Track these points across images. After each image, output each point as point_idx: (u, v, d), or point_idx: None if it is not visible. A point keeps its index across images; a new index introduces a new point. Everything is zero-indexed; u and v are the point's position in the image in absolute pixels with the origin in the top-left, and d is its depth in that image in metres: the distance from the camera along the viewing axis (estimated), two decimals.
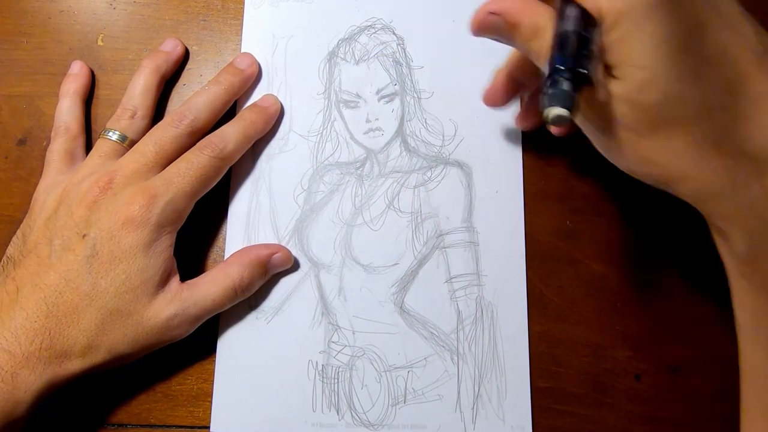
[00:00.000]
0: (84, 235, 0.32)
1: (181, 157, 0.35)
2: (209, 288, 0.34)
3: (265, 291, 0.37)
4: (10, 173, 0.39)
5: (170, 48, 0.40)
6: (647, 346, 0.37)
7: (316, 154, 0.39)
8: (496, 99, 0.37)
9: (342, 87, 0.40)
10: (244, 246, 0.37)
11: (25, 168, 0.39)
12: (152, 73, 0.38)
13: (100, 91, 0.40)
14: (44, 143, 0.39)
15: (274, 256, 0.36)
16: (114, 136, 0.36)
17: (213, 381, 0.36)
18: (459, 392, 0.36)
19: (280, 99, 0.39)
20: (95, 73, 0.40)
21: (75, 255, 0.32)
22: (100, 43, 0.41)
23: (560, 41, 0.24)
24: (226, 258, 0.37)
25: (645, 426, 0.36)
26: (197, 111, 0.36)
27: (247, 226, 0.38)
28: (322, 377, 0.36)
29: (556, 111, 0.23)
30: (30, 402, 0.30)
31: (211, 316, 0.35)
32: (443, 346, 0.37)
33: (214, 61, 0.41)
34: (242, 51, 0.40)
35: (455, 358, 0.37)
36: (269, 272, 0.36)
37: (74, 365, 0.31)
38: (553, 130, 0.26)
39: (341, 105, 0.40)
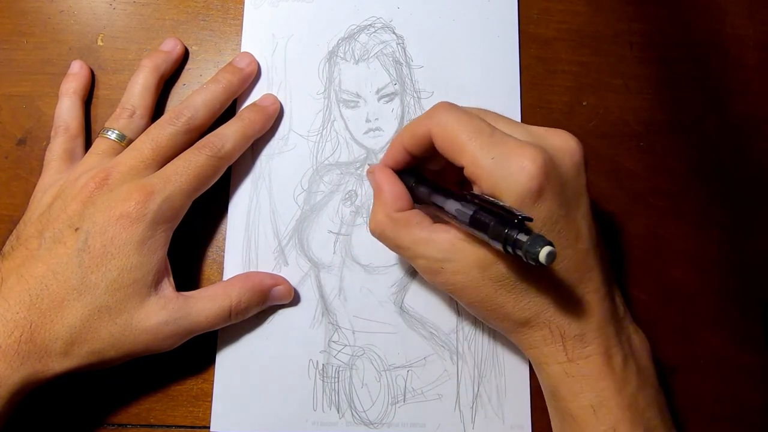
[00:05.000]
0: (76, 229, 0.32)
1: (180, 156, 0.35)
2: (206, 303, 0.34)
3: None
4: (10, 173, 0.39)
5: (170, 47, 0.39)
6: None
7: (316, 154, 0.39)
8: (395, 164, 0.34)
9: (342, 87, 0.40)
10: (246, 246, 0.38)
11: (25, 168, 0.39)
12: (151, 72, 0.38)
13: (100, 91, 0.40)
14: (44, 143, 0.39)
15: (276, 287, 0.36)
16: (112, 135, 0.36)
17: (213, 381, 0.36)
18: (458, 392, 0.36)
19: (280, 99, 0.39)
20: (95, 73, 0.40)
21: (65, 248, 0.31)
22: (100, 43, 0.41)
23: (495, 218, 0.26)
24: (226, 278, 0.37)
25: None
26: (195, 109, 0.36)
27: (247, 226, 0.38)
28: (323, 376, 0.36)
29: (547, 248, 0.24)
30: (5, 398, 0.29)
31: (200, 333, 0.34)
32: (443, 346, 0.37)
33: (214, 61, 0.41)
34: (242, 51, 0.40)
35: (455, 357, 0.37)
36: (267, 302, 0.36)
37: (54, 363, 0.30)
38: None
39: (341, 105, 0.40)
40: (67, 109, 0.38)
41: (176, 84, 0.40)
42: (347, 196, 0.39)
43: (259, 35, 0.41)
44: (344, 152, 0.39)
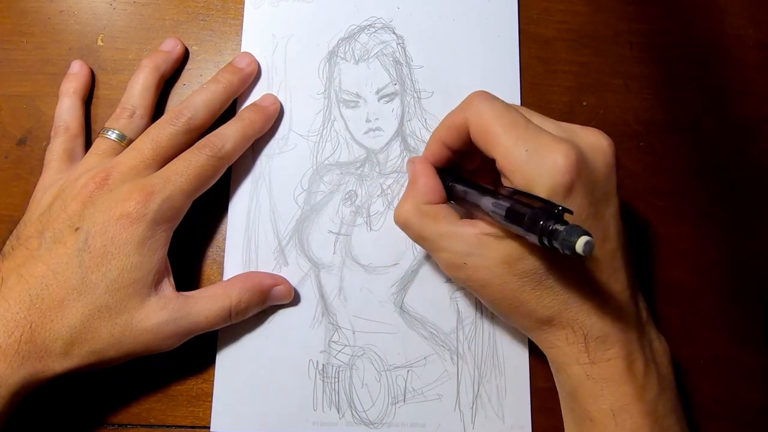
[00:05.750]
0: (77, 229, 0.31)
1: (180, 156, 0.35)
2: (206, 303, 0.34)
3: None
4: (10, 173, 0.39)
5: (170, 47, 0.39)
6: None
7: (316, 154, 0.39)
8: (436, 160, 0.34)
9: (342, 87, 0.40)
10: (246, 246, 0.38)
11: (25, 168, 0.39)
12: (151, 72, 0.38)
13: (100, 91, 0.40)
14: (44, 143, 0.39)
15: (276, 287, 0.36)
16: (112, 135, 0.36)
17: (213, 381, 0.36)
18: (458, 392, 0.36)
19: (280, 99, 0.39)
20: (95, 73, 0.40)
21: (65, 247, 0.31)
22: (100, 43, 0.41)
23: (531, 209, 0.26)
24: (226, 277, 0.37)
25: None
26: (195, 109, 0.36)
27: (247, 226, 0.38)
28: (323, 376, 0.36)
29: (585, 238, 0.23)
30: (6, 398, 0.29)
31: (200, 333, 0.34)
32: (443, 346, 0.37)
33: (214, 61, 0.41)
34: (242, 51, 0.40)
35: (455, 357, 0.37)
36: (267, 302, 0.36)
37: (54, 363, 0.30)
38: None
39: (341, 105, 0.40)
40: (67, 109, 0.38)
41: (176, 84, 0.40)
42: (347, 196, 0.39)
43: (259, 35, 0.41)
44: (344, 152, 0.39)
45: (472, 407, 0.36)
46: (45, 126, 0.39)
